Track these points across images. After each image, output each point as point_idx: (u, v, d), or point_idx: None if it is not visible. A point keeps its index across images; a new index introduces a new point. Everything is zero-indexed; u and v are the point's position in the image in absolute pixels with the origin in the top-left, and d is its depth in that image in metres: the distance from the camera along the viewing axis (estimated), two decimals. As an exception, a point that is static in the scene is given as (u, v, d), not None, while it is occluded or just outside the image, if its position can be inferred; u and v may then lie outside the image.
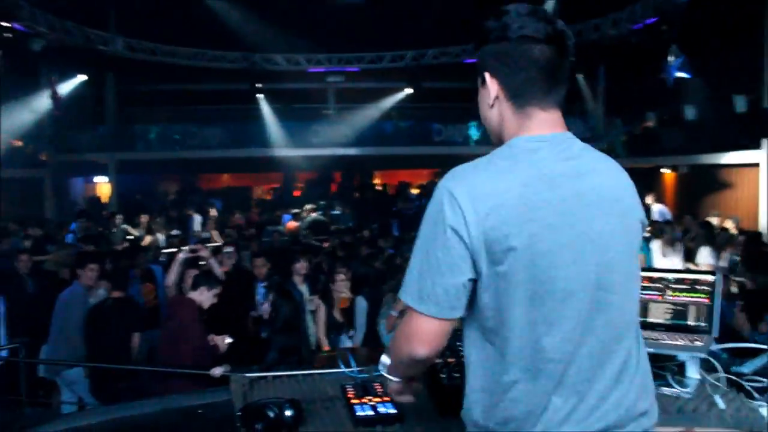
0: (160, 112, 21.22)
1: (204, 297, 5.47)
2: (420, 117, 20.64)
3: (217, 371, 5.09)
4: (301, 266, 6.85)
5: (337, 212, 16.69)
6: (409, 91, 19.35)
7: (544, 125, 1.61)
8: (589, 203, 1.55)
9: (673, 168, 17.26)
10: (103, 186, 21.81)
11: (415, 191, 21.22)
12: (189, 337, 5.24)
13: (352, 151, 19.67)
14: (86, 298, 6.49)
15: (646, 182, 16.98)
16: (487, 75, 1.63)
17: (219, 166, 22.77)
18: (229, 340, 5.21)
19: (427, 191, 19.97)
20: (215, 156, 19.93)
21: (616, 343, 1.59)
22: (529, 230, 1.48)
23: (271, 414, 2.34)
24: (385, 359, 1.87)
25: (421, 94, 19.31)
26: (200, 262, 6.63)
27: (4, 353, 6.28)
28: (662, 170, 17.72)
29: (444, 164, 22.65)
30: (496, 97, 1.63)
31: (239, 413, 2.44)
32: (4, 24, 13.27)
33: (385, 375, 1.85)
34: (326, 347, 6.48)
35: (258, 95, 19.26)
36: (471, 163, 1.60)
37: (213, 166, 22.08)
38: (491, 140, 1.73)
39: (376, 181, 23.09)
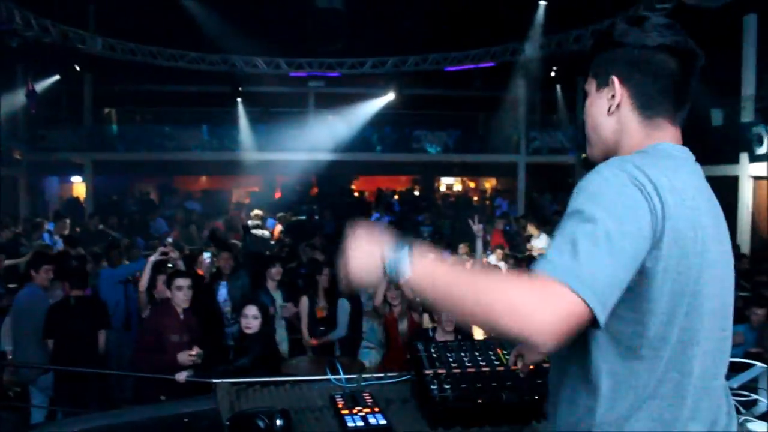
0: (139, 113, 21.06)
1: (181, 294, 5.45)
2: (400, 123, 20.69)
3: (181, 377, 5.07)
4: (276, 272, 6.84)
5: (317, 217, 16.64)
6: (390, 97, 19.37)
7: (674, 140, 1.52)
8: (721, 224, 1.47)
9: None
10: (78, 186, 21.56)
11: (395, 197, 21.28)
12: (167, 348, 5.23)
13: (331, 156, 19.66)
14: (46, 298, 6.43)
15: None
16: (615, 79, 1.51)
17: (197, 169, 22.62)
18: (194, 353, 5.16)
19: (406, 198, 20.02)
20: (193, 158, 19.80)
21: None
22: (700, 235, 1.36)
23: (261, 424, 2.32)
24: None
25: (401, 101, 19.36)
26: (168, 265, 6.59)
27: None
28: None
29: (422, 171, 22.85)
30: (618, 105, 1.52)
31: (228, 423, 2.41)
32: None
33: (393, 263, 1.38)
34: (314, 341, 6.49)
35: (237, 99, 19.17)
36: (635, 154, 1.45)
37: (191, 168, 21.93)
38: (588, 151, 1.62)
39: (354, 187, 23.10)
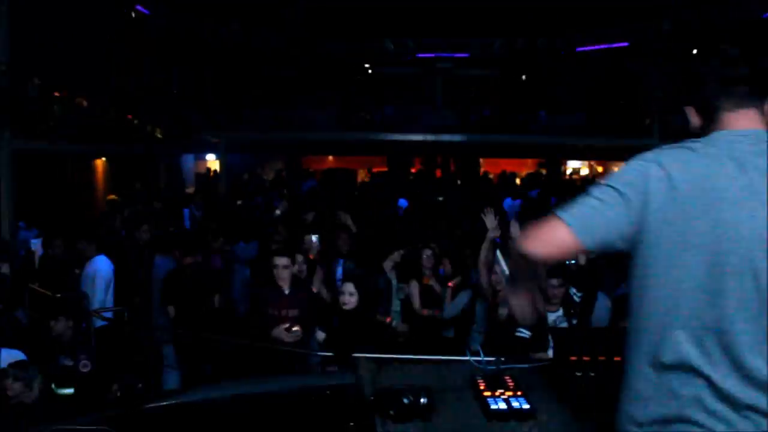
0: (270, 95, 21.73)
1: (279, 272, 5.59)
2: (526, 105, 20.24)
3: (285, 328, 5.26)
4: (397, 254, 6.81)
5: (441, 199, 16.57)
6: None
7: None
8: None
9: None
10: (212, 163, 22.59)
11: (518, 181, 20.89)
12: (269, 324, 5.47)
13: (457, 138, 19.54)
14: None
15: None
16: None
17: (324, 149, 23.15)
18: (295, 328, 5.30)
19: (532, 181, 19.59)
20: (320, 138, 20.23)
21: None
22: (717, 204, 1.59)
23: (406, 400, 2.35)
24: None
25: (529, 81, 18.93)
26: None
27: (108, 314, 6.60)
28: None
29: (549, 154, 22.31)
30: None
31: (372, 397, 2.46)
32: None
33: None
34: (424, 311, 6.45)
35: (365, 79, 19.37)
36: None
37: (318, 148, 22.45)
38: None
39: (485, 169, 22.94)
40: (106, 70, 15.44)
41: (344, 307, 5.25)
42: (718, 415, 1.58)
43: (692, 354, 1.60)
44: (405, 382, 2.61)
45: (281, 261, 5.50)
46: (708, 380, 1.59)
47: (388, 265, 6.69)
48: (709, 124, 1.78)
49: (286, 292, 5.51)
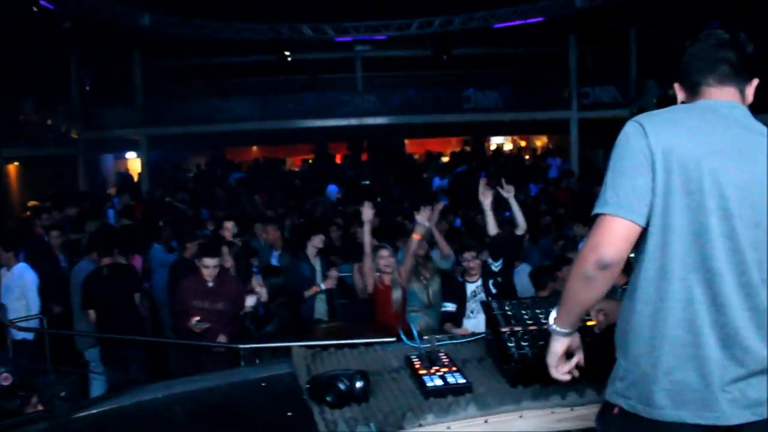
0: (188, 86, 21.25)
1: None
2: (448, 84, 20.41)
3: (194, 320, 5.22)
4: (318, 240, 6.82)
5: (367, 183, 16.65)
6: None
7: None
8: (758, 148, 1.79)
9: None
10: (133, 162, 21.99)
11: (445, 159, 21.09)
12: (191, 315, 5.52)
13: (380, 120, 19.55)
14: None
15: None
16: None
17: (248, 139, 22.82)
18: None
19: (458, 160, 19.83)
20: (243, 128, 19.90)
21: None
22: (700, 153, 1.75)
23: (342, 386, 2.33)
24: (553, 312, 2.01)
25: (449, 61, 19.04)
26: None
27: (33, 323, 6.40)
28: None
29: (472, 131, 22.61)
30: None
31: (307, 386, 2.43)
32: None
33: (553, 327, 2.00)
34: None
35: (284, 67, 19.16)
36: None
37: (242, 139, 22.11)
38: None
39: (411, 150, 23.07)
40: (13, 69, 14.76)
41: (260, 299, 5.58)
42: None
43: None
44: (340, 368, 2.60)
45: (211, 262, 5.49)
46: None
47: (311, 251, 6.69)
48: (693, 98, 1.94)
49: (210, 285, 5.53)
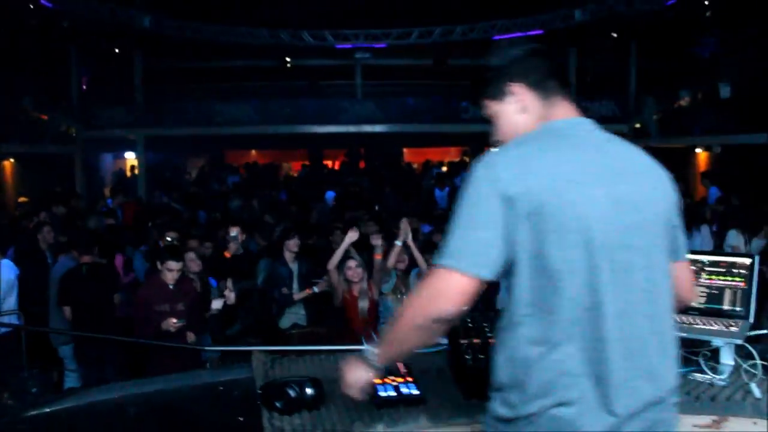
0: (188, 89, 21.27)
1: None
2: (448, 94, 20.42)
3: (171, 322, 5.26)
4: (293, 243, 6.81)
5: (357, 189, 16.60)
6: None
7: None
8: (616, 171, 1.71)
9: (707, 148, 16.89)
10: (131, 162, 22.01)
11: (444, 169, 21.07)
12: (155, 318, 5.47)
13: (378, 128, 19.57)
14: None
15: (679, 162, 16.66)
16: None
17: (246, 143, 22.82)
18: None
19: (456, 169, 19.81)
20: (242, 132, 19.94)
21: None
22: (558, 186, 1.63)
23: (292, 392, 2.32)
24: (375, 347, 1.91)
25: (449, 71, 19.07)
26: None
27: (6, 319, 6.36)
28: (696, 150, 17.35)
29: (472, 142, 22.67)
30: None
31: (260, 391, 2.42)
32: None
33: (371, 361, 1.92)
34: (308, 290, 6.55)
35: (284, 72, 19.19)
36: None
37: (240, 142, 22.13)
38: None
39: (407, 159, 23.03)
40: (12, 66, 14.77)
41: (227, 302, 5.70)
42: None
43: None
44: (298, 374, 2.58)
45: (175, 265, 5.52)
46: None
47: (288, 255, 6.69)
48: (542, 111, 1.84)
49: (171, 287, 5.57)
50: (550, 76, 1.85)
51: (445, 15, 17.68)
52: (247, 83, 20.93)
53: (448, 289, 1.66)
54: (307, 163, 23.03)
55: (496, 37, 17.68)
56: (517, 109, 1.87)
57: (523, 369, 1.65)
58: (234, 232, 7.44)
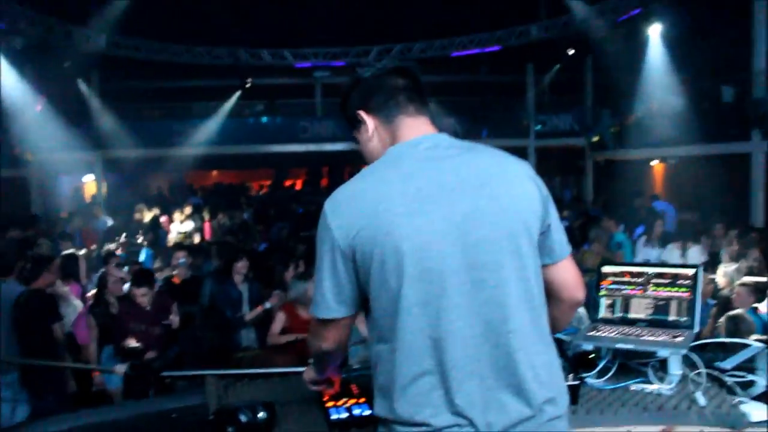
0: (147, 109, 21.06)
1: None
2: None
3: (120, 369, 5.14)
4: (242, 265, 6.81)
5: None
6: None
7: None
8: (455, 188, 1.67)
9: (663, 159, 17.24)
10: (89, 184, 21.65)
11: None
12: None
13: (339, 146, 19.63)
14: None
15: (636, 174, 16.98)
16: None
17: (208, 163, 22.65)
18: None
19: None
20: (202, 153, 19.76)
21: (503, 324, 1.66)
22: (389, 220, 1.63)
23: (244, 418, 2.30)
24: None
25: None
26: None
27: None
28: (651, 162, 17.70)
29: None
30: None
31: (212, 417, 2.39)
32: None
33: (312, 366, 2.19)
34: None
35: (244, 92, 19.14)
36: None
37: (201, 163, 21.96)
38: None
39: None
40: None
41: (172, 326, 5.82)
42: None
43: None
44: (252, 398, 2.56)
45: (140, 291, 5.50)
46: None
47: (237, 277, 6.68)
48: (387, 130, 1.84)
49: (148, 309, 5.65)
50: (391, 97, 1.82)
51: (403, 33, 17.83)
52: (208, 103, 20.77)
53: (317, 331, 1.84)
54: (268, 182, 22.99)
55: (455, 54, 17.90)
56: (369, 137, 1.87)
57: (389, 397, 1.69)
58: (181, 257, 7.44)
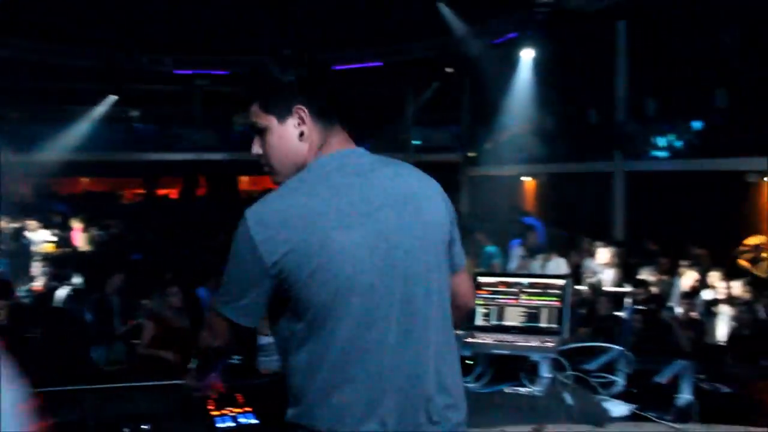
0: (10, 112, 19.77)
1: None
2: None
3: None
4: (117, 278, 6.71)
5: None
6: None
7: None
8: (379, 203, 1.70)
9: (533, 176, 18.07)
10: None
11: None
12: None
13: (218, 156, 19.27)
14: None
15: (509, 189, 17.74)
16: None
17: (76, 170, 21.56)
18: None
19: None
20: (69, 159, 18.78)
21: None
22: (324, 234, 1.63)
23: (126, 431, 2.25)
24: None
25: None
26: None
27: None
28: (522, 178, 18.49)
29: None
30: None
31: (91, 433, 2.33)
32: None
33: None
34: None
35: (117, 96, 18.38)
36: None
37: (70, 169, 20.88)
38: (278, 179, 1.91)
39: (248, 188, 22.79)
40: None
41: None
42: None
43: None
44: (132, 411, 2.50)
45: None
46: None
47: (109, 289, 6.53)
48: (321, 141, 1.79)
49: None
50: (333, 103, 1.81)
51: (286, 44, 17.76)
52: (79, 107, 19.78)
53: (213, 326, 1.82)
54: (142, 191, 22.22)
55: (338, 68, 18.00)
56: (297, 134, 1.78)
57: (308, 405, 1.69)
58: (43, 267, 7.15)
